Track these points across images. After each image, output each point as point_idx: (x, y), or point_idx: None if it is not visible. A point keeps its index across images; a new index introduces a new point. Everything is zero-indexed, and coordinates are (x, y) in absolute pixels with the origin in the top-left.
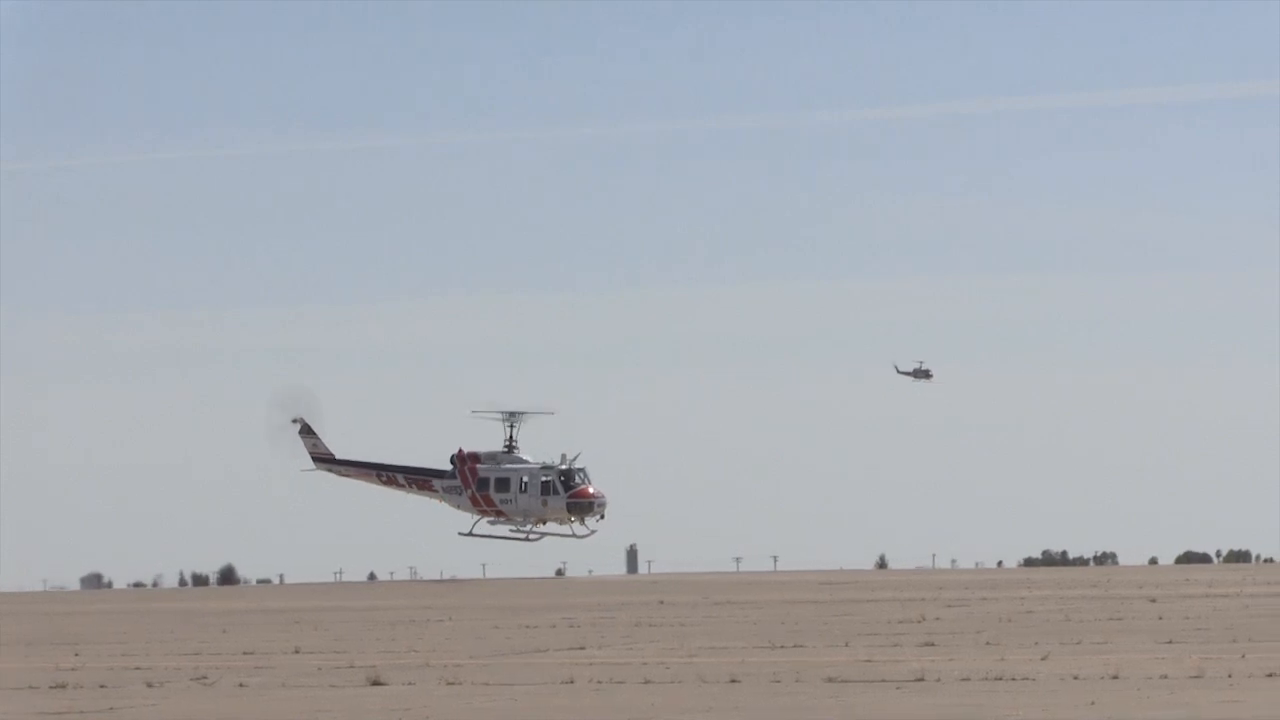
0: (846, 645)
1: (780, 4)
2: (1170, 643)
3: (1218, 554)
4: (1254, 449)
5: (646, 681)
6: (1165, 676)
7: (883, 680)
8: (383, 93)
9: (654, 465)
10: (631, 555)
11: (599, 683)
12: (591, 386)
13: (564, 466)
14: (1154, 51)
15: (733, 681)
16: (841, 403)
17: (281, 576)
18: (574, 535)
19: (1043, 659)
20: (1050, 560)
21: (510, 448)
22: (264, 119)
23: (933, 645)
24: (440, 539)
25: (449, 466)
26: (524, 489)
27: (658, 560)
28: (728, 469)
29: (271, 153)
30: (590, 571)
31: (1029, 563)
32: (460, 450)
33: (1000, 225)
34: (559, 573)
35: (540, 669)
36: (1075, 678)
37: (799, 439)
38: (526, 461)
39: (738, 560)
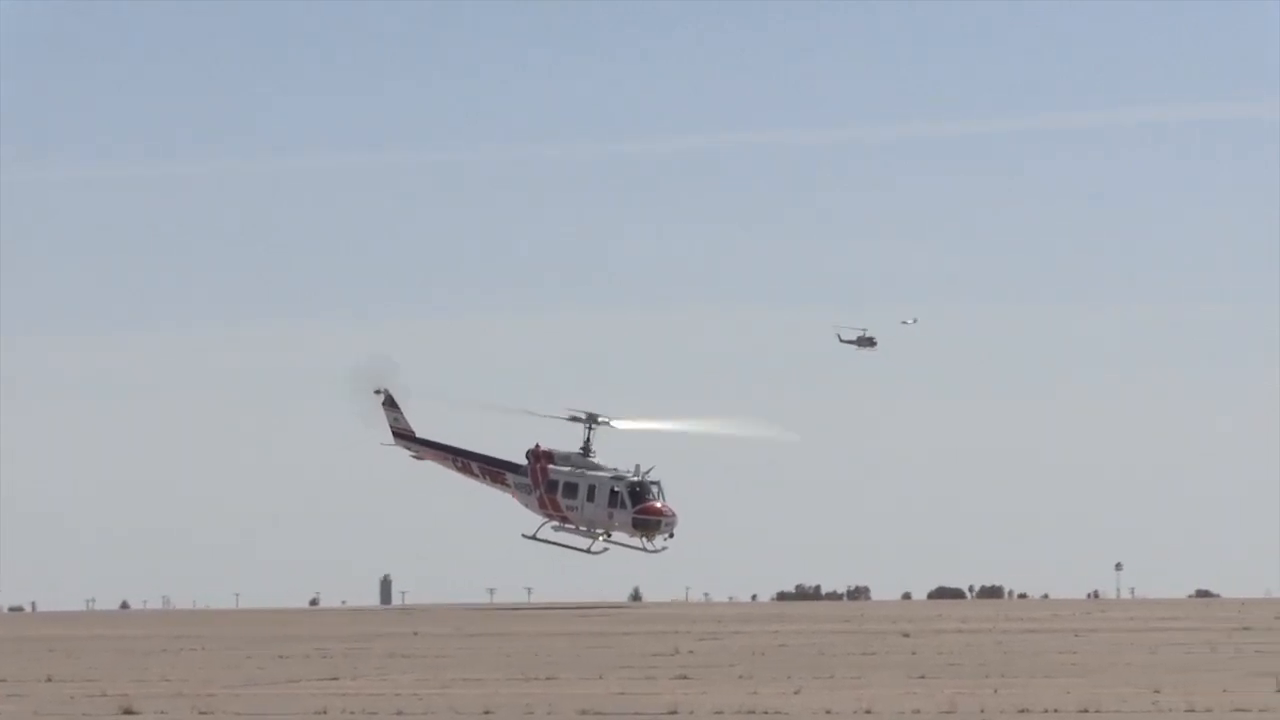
0: (600, 678)
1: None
2: (923, 678)
3: (970, 589)
4: (1006, 485)
5: (399, 713)
6: (918, 711)
7: (636, 713)
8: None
9: (407, 495)
10: (385, 585)
11: (352, 713)
12: None
13: (636, 479)
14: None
15: (486, 713)
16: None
17: (34, 604)
18: (643, 549)
19: (795, 693)
20: (804, 594)
21: (586, 451)
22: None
23: (686, 678)
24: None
25: (525, 461)
26: (591, 498)
27: (411, 591)
28: (482, 500)
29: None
30: (344, 602)
31: (782, 596)
32: (537, 446)
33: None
34: (313, 603)
35: (293, 699)
36: (828, 712)
37: None
38: (600, 468)
39: (491, 591)
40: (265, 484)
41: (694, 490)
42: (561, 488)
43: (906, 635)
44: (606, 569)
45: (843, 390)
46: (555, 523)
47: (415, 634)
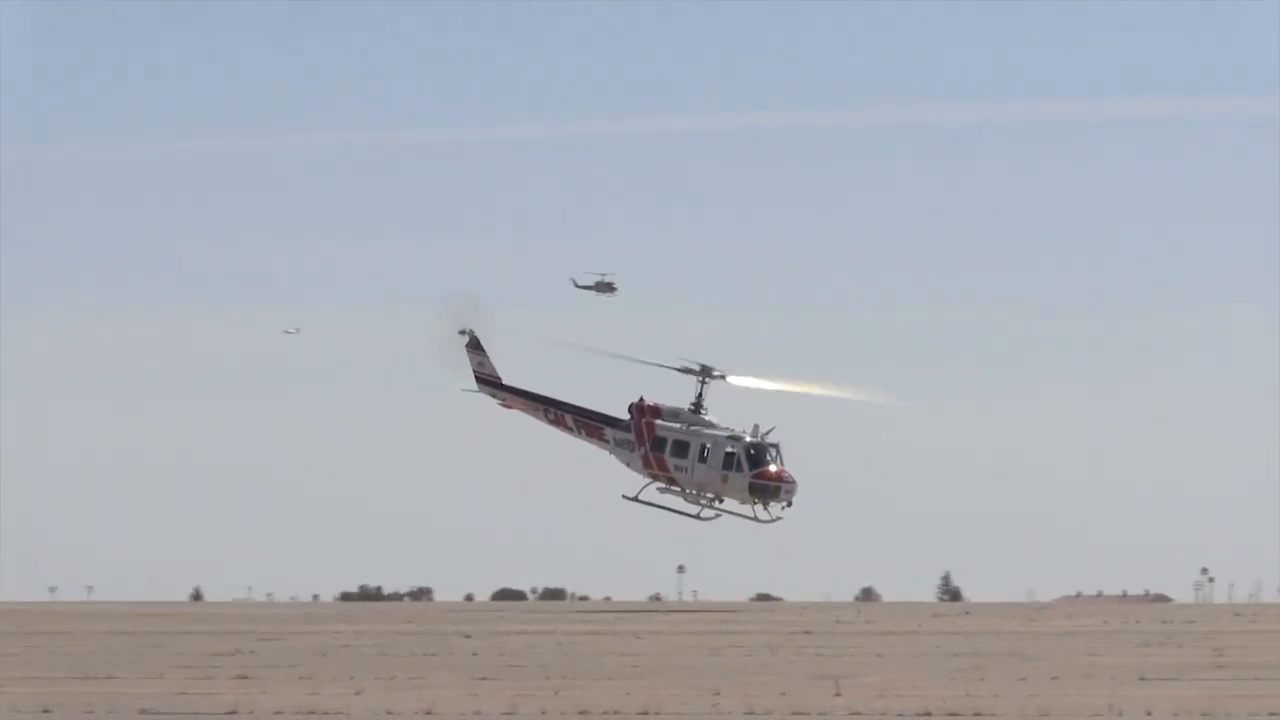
0: (161, 677)
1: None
2: (485, 679)
3: (533, 590)
4: (566, 486)
5: None
6: (479, 713)
7: (196, 713)
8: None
9: None
10: None
11: None
12: None
13: (753, 439)
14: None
15: (45, 712)
16: (169, 431)
17: None
18: (755, 519)
19: (357, 693)
20: (367, 594)
21: (697, 407)
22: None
23: (247, 678)
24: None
25: (627, 416)
26: (703, 458)
27: None
28: (46, 499)
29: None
30: None
31: (346, 597)
32: (640, 400)
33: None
34: None
35: None
36: (389, 713)
37: (109, 465)
38: (713, 426)
39: (52, 590)
40: None
41: (262, 486)
42: (670, 446)
43: (468, 636)
44: (167, 567)
45: (414, 388)
46: (660, 485)
47: None
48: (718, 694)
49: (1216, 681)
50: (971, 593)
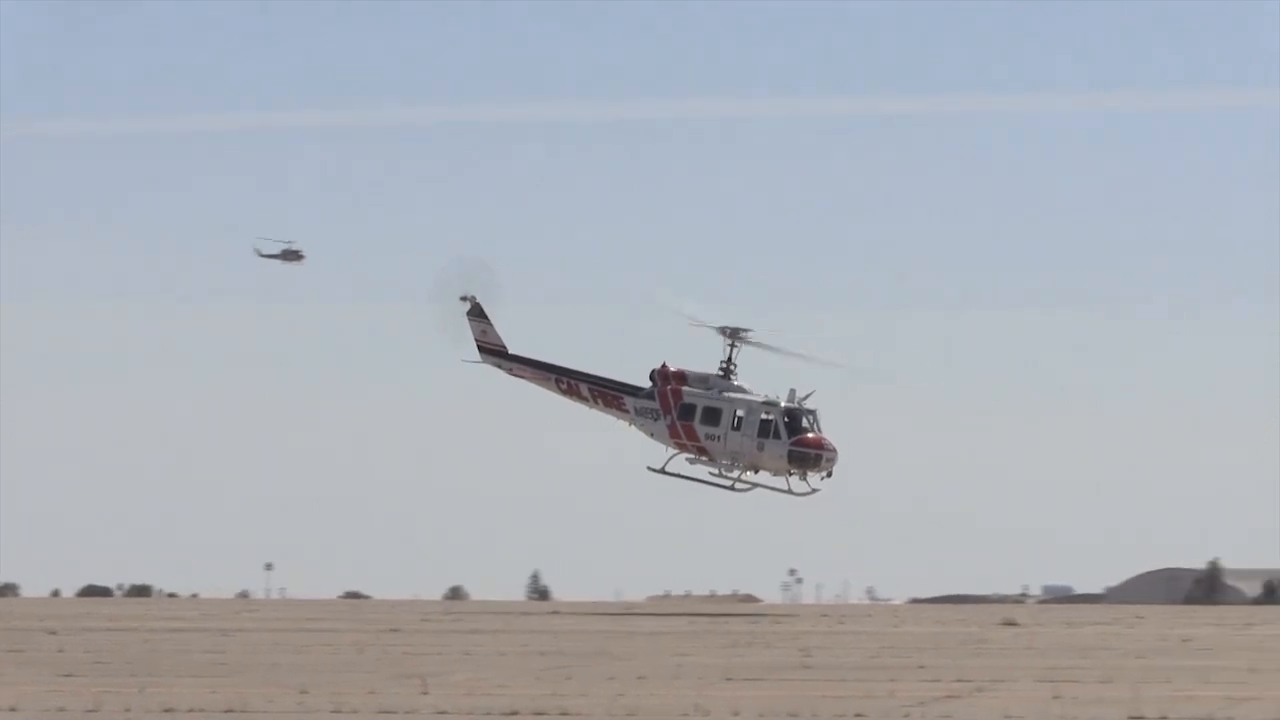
0: None
1: None
2: (70, 676)
3: (120, 587)
4: (147, 482)
5: None
6: (63, 709)
7: None
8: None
9: None
10: None
11: None
12: None
13: (791, 405)
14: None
15: None
16: None
17: None
18: (790, 492)
19: None
20: None
21: (727, 372)
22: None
23: None
24: None
25: (648, 384)
26: (737, 425)
27: None
28: None
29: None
30: None
31: None
32: (664, 366)
33: None
34: None
35: None
36: None
37: None
38: (745, 392)
39: None
40: None
41: None
42: (701, 413)
43: (54, 633)
44: None
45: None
46: (689, 455)
47: None
48: (305, 692)
49: (803, 682)
50: (560, 591)
